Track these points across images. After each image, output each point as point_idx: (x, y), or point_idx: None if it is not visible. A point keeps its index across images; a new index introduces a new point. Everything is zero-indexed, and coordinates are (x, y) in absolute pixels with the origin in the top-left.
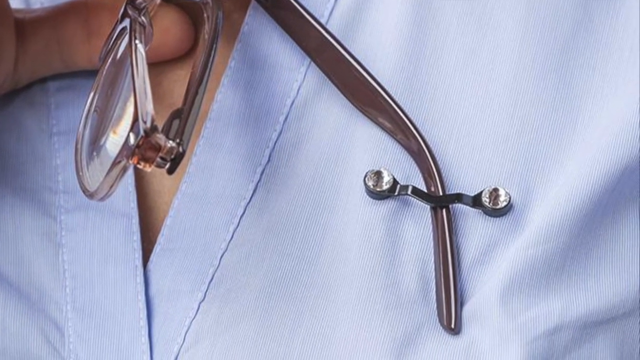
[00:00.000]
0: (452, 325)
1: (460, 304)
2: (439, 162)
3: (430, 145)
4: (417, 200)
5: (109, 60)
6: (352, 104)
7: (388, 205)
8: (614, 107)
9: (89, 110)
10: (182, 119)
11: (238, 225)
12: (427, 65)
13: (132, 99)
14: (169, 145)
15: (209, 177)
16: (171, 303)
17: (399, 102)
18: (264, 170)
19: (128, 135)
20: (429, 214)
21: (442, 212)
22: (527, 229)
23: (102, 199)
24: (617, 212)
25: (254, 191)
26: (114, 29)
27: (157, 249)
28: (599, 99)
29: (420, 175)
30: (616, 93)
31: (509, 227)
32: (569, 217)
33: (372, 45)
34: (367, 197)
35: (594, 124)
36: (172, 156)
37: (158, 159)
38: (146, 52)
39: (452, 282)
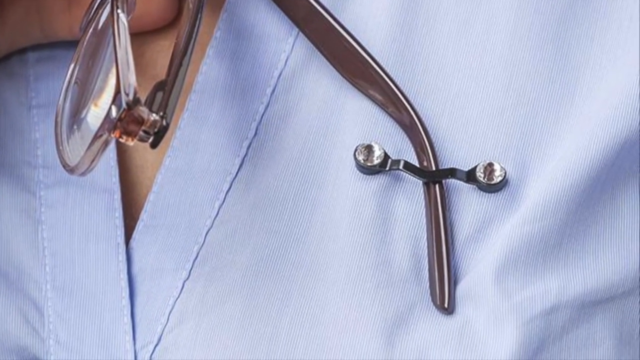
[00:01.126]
0: (446, 305)
1: (453, 282)
2: (431, 136)
3: (423, 119)
4: (409, 176)
5: (90, 31)
6: (342, 75)
7: (379, 180)
8: (613, 78)
9: (69, 82)
10: (166, 91)
11: (224, 201)
12: (419, 36)
13: (114, 71)
14: (152, 118)
15: (194, 152)
16: (154, 282)
17: (390, 73)
18: (250, 144)
19: (110, 108)
20: (422, 190)
21: (435, 187)
22: (523, 205)
23: (82, 174)
24: (617, 187)
25: (240, 166)
26: None
27: (139, 225)
28: (598, 71)
29: (413, 149)
30: (615, 64)
31: (504, 203)
32: (567, 193)
33: (362, 15)
34: (358, 172)
35: (593, 97)
36: (156, 130)
37: (141, 133)
38: (128, 22)
39: (445, 260)
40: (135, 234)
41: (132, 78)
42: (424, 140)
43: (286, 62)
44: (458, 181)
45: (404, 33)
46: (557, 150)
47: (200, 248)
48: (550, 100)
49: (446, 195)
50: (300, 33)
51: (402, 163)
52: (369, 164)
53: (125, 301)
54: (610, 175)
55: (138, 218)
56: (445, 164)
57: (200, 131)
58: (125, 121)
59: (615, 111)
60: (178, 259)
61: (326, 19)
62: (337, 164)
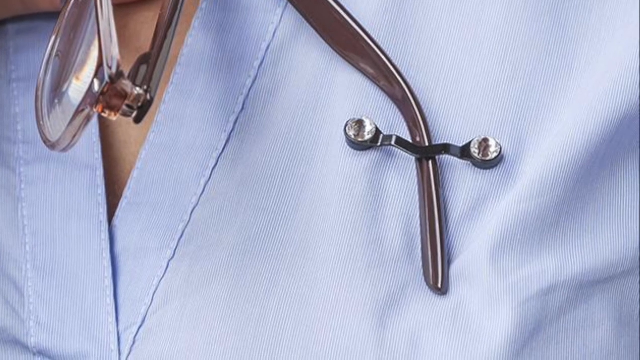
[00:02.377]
0: (439, 285)
1: (447, 262)
2: (424, 111)
3: (416, 93)
4: (402, 151)
5: (72, 2)
6: (332, 48)
7: (370, 156)
8: (612, 51)
9: (50, 55)
10: (150, 65)
11: (210, 177)
12: (412, 7)
13: (96, 43)
14: (135, 92)
15: (179, 127)
16: (138, 261)
17: (382, 46)
18: (237, 118)
19: (92, 81)
20: (414, 166)
21: (428, 163)
22: (519, 182)
23: (64, 150)
24: (616, 163)
25: (227, 141)
26: None
27: (123, 203)
28: (596, 43)
29: (405, 124)
30: (614, 36)
31: (500, 179)
32: (564, 169)
33: None
34: (348, 147)
35: (591, 70)
36: (139, 104)
37: (124, 107)
38: None
39: (438, 238)
40: (119, 212)
41: (115, 51)
42: (416, 115)
43: (274, 34)
44: (452, 157)
45: (395, 4)
46: (554, 125)
47: (186, 226)
48: (547, 74)
49: (439, 171)
50: (289, 4)
51: (394, 138)
52: (360, 140)
53: (108, 281)
54: (609, 151)
55: (121, 195)
56: (439, 140)
57: (185, 105)
58: (108, 95)
59: (614, 84)
60: (163, 238)
61: None
62: (327, 139)
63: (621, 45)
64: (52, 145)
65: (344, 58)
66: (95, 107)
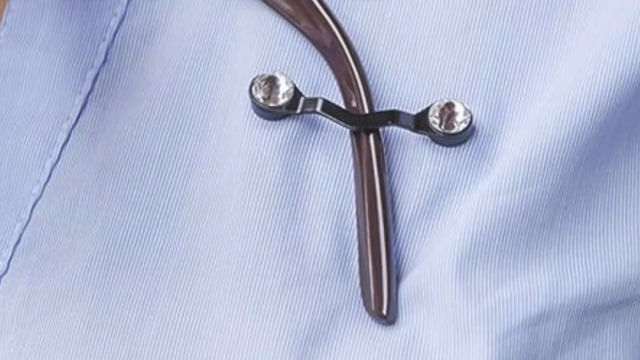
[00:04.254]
0: (384, 311)
1: (395, 278)
2: (362, 64)
3: (350, 38)
4: (331, 121)
5: None
6: None
7: (287, 128)
8: None
9: None
10: None
11: (59, 158)
12: None
13: None
14: None
15: (15, 87)
16: None
17: None
18: (97, 75)
19: None
20: (349, 142)
21: (368, 138)
22: (497, 165)
23: None
24: (634, 139)
25: (83, 107)
26: None
27: None
28: None
29: (336, 83)
30: None
31: (470, 161)
32: (562, 147)
33: None
34: (255, 116)
35: (599, 5)
36: None
37: None
38: None
39: (383, 245)
40: None
41: None
42: (351, 70)
43: None
44: (402, 129)
45: None
46: (547, 85)
47: (24, 228)
48: (538, 11)
49: (385, 149)
50: None
51: (319, 103)
52: (271, 105)
53: None
54: (625, 121)
55: None
56: (384, 105)
57: (24, 56)
58: None
59: (632, 26)
60: None
61: None
62: (225, 104)
63: None
64: None
65: None
66: None
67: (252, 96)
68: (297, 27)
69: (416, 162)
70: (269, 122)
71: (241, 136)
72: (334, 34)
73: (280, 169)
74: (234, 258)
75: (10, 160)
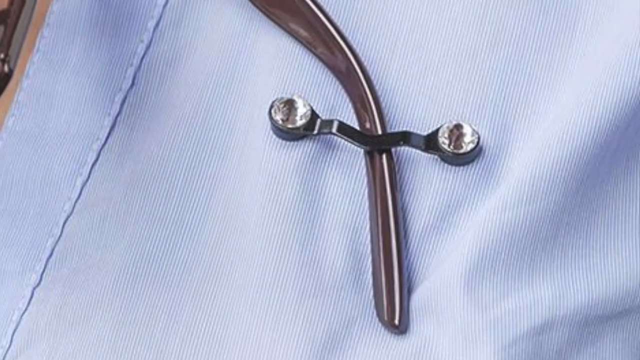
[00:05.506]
0: (396, 321)
1: (407, 290)
2: (376, 87)
3: (364, 63)
4: (346, 142)
5: None
6: (252, 3)
7: (304, 148)
8: (628, 7)
9: None
10: (9, 25)
11: (89, 177)
12: None
13: None
14: None
15: (48, 109)
16: None
17: (319, 1)
18: (125, 98)
19: None
20: (363, 162)
21: (381, 158)
22: (503, 183)
23: None
24: (633, 158)
25: (112, 128)
26: None
27: None
28: None
29: (351, 105)
30: None
31: (478, 179)
32: (564, 166)
33: None
34: (275, 137)
35: (600, 32)
36: None
37: None
38: None
39: (395, 258)
40: None
41: None
42: (365, 93)
43: None
44: (413, 149)
45: None
46: (550, 107)
47: (57, 242)
48: (541, 38)
49: (397, 168)
50: None
51: (335, 124)
52: (290, 126)
53: None
54: (623, 142)
55: None
56: (396, 126)
57: (56, 80)
58: None
59: (630, 52)
60: (26, 258)
61: None
62: (246, 125)
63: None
64: None
65: (268, 17)
66: None
67: (271, 118)
68: (314, 53)
69: (426, 181)
70: (288, 143)
71: (261, 155)
72: (348, 59)
73: (298, 187)
74: (255, 271)
75: (43, 178)
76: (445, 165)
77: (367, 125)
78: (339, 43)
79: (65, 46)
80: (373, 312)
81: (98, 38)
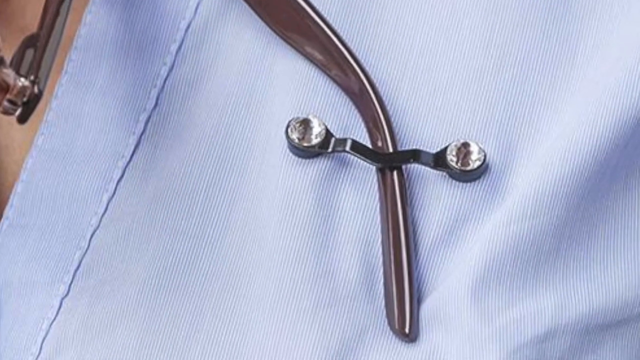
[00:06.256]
0: (406, 330)
1: (417, 300)
2: (387, 108)
3: (376, 85)
4: (359, 159)
5: None
6: (270, 27)
7: (319, 165)
8: (627, 31)
9: None
10: (38, 49)
11: (114, 193)
12: None
13: None
14: (20, 83)
15: (75, 128)
16: (23, 299)
17: (333, 25)
18: (149, 118)
19: None
20: (375, 178)
21: (392, 175)
22: (508, 198)
23: None
24: (632, 175)
25: (136, 147)
26: None
27: (3, 225)
28: (607, 21)
29: (363, 125)
30: (630, 12)
31: (484, 195)
32: (566, 182)
33: None
34: (291, 154)
35: (600, 55)
36: (25, 99)
37: (5, 103)
38: None
39: (406, 270)
40: None
41: None
42: (377, 113)
43: (196, 9)
44: (423, 167)
45: None
46: (553, 126)
47: (84, 255)
48: (544, 60)
49: (407, 185)
50: None
51: (349, 143)
52: (305, 144)
53: None
54: (623, 159)
55: (1, 215)
56: (406, 145)
57: (83, 101)
58: None
59: (629, 73)
60: (54, 270)
61: None
62: (263, 144)
63: (638, 24)
64: None
65: (285, 40)
66: None
67: (288, 137)
68: (328, 75)
69: (435, 196)
70: (303, 160)
71: (278, 172)
72: (361, 81)
73: (313, 202)
74: (272, 282)
75: (71, 194)
76: (453, 181)
77: (379, 144)
78: (352, 66)
79: (92, 68)
80: (385, 321)
81: (123, 61)
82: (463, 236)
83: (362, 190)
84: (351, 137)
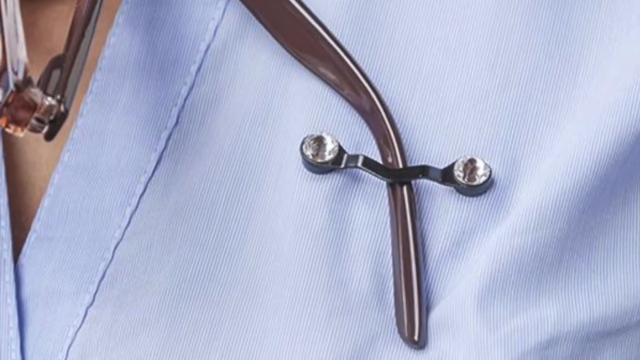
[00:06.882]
0: (415, 337)
1: (425, 309)
2: (397, 125)
3: (387, 103)
4: (370, 175)
5: None
6: (285, 49)
7: (332, 181)
8: (626, 52)
9: None
10: (65, 69)
11: (137, 207)
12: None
13: None
14: (47, 102)
15: (99, 145)
16: (50, 308)
17: (345, 46)
18: (170, 135)
19: None
20: (385, 193)
21: (402, 189)
22: (512, 212)
23: None
24: (631, 190)
25: (158, 162)
26: None
27: (31, 237)
28: (607, 43)
29: (374, 142)
30: (628, 35)
31: (490, 209)
32: (568, 197)
33: None
34: (305, 170)
35: (600, 75)
36: (52, 117)
37: (33, 121)
38: None
39: (415, 280)
40: (26, 249)
41: (21, 53)
42: (388, 131)
43: (215, 32)
44: (431, 182)
45: None
46: (555, 143)
47: (108, 266)
48: (547, 81)
49: (416, 199)
50: None
51: (360, 159)
52: (319, 160)
53: (14, 332)
54: (622, 175)
55: (29, 228)
56: (415, 161)
57: (107, 119)
58: (14, 106)
59: (628, 93)
60: (80, 280)
61: None
62: (279, 160)
63: (637, 46)
64: None
65: (299, 61)
66: None
67: (302, 153)
68: (341, 94)
69: (443, 210)
70: (317, 175)
71: (293, 187)
72: (372, 100)
73: (326, 216)
74: (288, 291)
75: (95, 208)
76: (460, 196)
77: (390, 160)
78: (364, 85)
79: (116, 88)
80: (395, 329)
81: (145, 81)
82: (469, 248)
83: (373, 204)
84: (363, 153)
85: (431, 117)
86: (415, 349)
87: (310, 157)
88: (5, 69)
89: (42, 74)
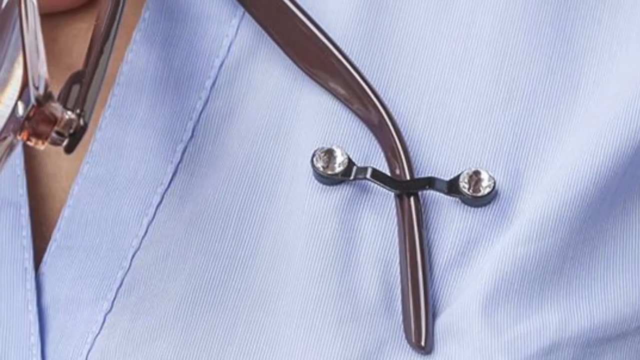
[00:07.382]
0: (422, 343)
1: (432, 316)
2: (405, 139)
3: (395, 117)
4: (378, 186)
5: None
6: (297, 65)
7: (342, 192)
8: (625, 68)
9: None
10: (84, 84)
11: (154, 217)
12: (390, 17)
13: (20, 59)
14: (67, 116)
15: (118, 157)
16: (70, 315)
17: (355, 62)
18: (186, 148)
19: (15, 104)
20: (393, 204)
21: (409, 200)
22: (516, 222)
23: None
24: (629, 201)
25: (174, 174)
26: None
27: (52, 246)
28: (607, 59)
29: (382, 154)
30: (628, 51)
31: (494, 219)
32: (569, 207)
33: None
34: (316, 181)
35: (600, 90)
36: (72, 130)
37: (53, 135)
38: (38, 1)
39: (422, 288)
40: (47, 257)
41: (42, 68)
42: (396, 144)
43: (229, 48)
44: (437, 193)
45: (371, 13)
46: (557, 156)
47: (125, 274)
48: (549, 95)
49: (423, 209)
50: (246, 14)
51: (369, 171)
52: (329, 172)
53: (35, 338)
54: (621, 186)
55: (50, 238)
56: (422, 173)
57: (125, 132)
58: (35, 120)
59: (627, 108)
60: (98, 288)
61: None
62: (291, 172)
63: (635, 62)
64: None
65: (310, 77)
66: (20, 135)
67: (313, 165)
68: (350, 109)
69: (449, 220)
70: (327, 187)
71: (304, 198)
72: (381, 114)
73: (336, 226)
74: (299, 299)
75: (113, 218)
76: (465, 206)
77: (397, 172)
78: (372, 100)
79: (133, 102)
80: (402, 335)
81: (162, 95)
82: (474, 257)
83: (381, 215)
84: (371, 165)
85: (437, 131)
86: (422, 354)
87: (321, 169)
88: (26, 84)
89: (62, 89)
